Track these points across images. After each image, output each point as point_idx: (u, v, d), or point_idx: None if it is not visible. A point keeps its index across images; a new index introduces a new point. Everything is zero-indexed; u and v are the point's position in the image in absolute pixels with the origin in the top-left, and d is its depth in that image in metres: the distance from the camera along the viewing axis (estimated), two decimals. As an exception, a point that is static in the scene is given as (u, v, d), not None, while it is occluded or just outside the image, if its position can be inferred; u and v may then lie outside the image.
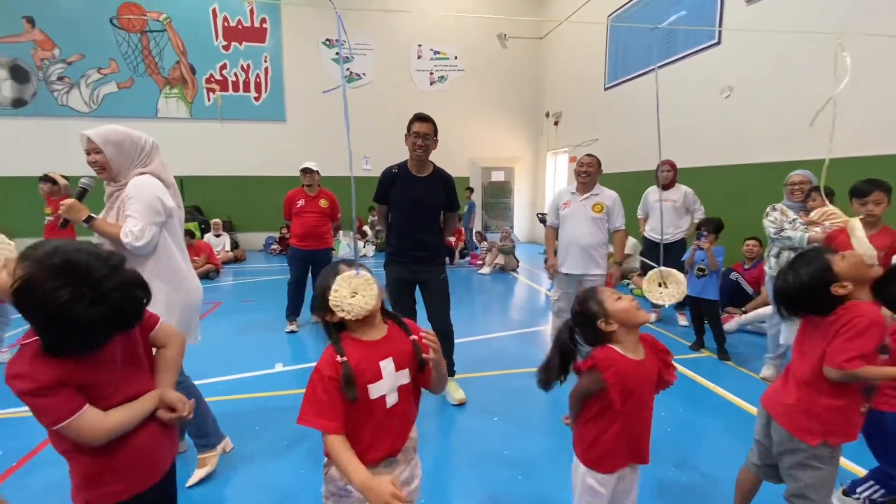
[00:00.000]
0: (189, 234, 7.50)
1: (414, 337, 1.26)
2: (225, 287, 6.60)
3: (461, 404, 2.90)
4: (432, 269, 2.89)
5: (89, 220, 1.83)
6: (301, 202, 4.35)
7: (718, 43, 5.66)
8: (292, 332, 4.33)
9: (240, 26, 9.40)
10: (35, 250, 0.92)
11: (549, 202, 10.57)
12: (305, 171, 4.37)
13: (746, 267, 4.53)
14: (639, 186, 4.96)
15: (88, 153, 1.83)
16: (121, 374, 1.09)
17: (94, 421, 1.00)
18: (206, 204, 9.66)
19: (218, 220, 8.91)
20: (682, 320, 4.55)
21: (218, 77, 9.46)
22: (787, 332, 3.01)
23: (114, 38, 8.97)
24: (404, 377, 1.24)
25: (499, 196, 11.19)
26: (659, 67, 6.26)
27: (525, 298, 6.01)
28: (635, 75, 7.25)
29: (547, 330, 4.37)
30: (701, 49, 5.88)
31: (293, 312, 4.42)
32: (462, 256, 8.38)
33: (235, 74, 9.54)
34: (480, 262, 7.75)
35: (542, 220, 6.88)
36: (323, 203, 4.39)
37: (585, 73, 8.80)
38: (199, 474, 2.13)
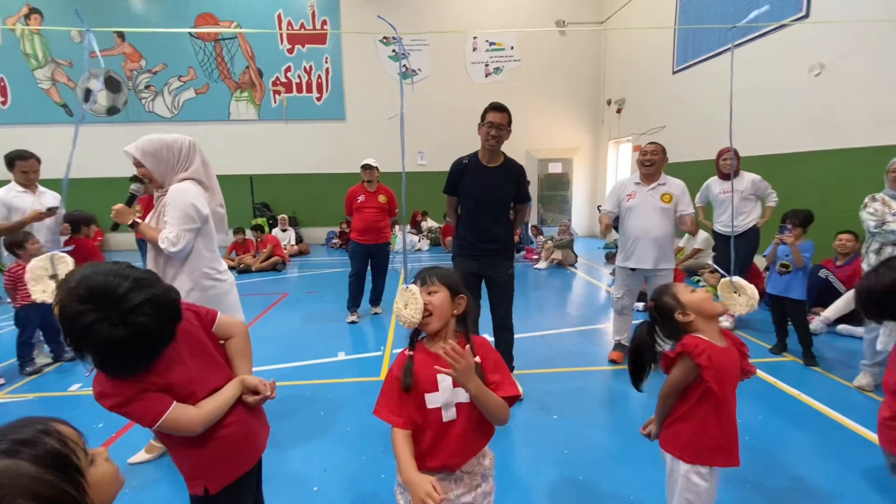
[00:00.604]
0: (259, 228, 8.00)
1: (477, 359, 1.19)
2: (291, 279, 6.97)
3: (518, 400, 2.86)
4: (501, 262, 2.85)
5: (134, 224, 2.00)
6: (361, 198, 4.48)
7: (807, 16, 5.10)
8: (353, 322, 4.49)
9: (303, 29, 9.81)
10: (68, 278, 0.97)
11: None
12: (366, 167, 4.48)
13: (839, 264, 4.09)
14: (711, 176, 4.62)
15: (137, 166, 1.97)
16: (197, 372, 1.15)
17: (186, 413, 1.08)
18: (273, 200, 10.24)
19: (284, 215, 9.43)
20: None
21: (283, 79, 9.95)
22: (886, 339, 2.68)
23: (192, 48, 9.70)
24: (462, 395, 1.19)
25: (556, 189, 10.90)
26: (736, 46, 5.77)
27: (584, 295, 5.82)
28: (709, 56, 6.73)
29: (608, 328, 4.20)
30: (786, 24, 5.34)
31: (354, 304, 4.58)
32: (517, 251, 8.27)
33: (299, 76, 9.98)
34: (536, 257, 7.60)
35: (603, 213, 6.61)
36: (382, 198, 4.51)
37: (652, 57, 8.30)
38: (142, 456, 2.26)
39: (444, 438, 1.20)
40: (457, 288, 1.26)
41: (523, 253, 8.21)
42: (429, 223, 9.84)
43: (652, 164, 3.09)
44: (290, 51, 9.86)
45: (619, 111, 9.62)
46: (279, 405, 2.86)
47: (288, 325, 4.50)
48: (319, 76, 10.02)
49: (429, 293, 1.25)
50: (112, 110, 9.74)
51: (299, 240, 9.45)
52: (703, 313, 1.35)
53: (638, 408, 2.73)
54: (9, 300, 3.47)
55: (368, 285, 4.74)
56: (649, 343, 1.43)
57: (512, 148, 2.82)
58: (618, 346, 3.49)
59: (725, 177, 3.93)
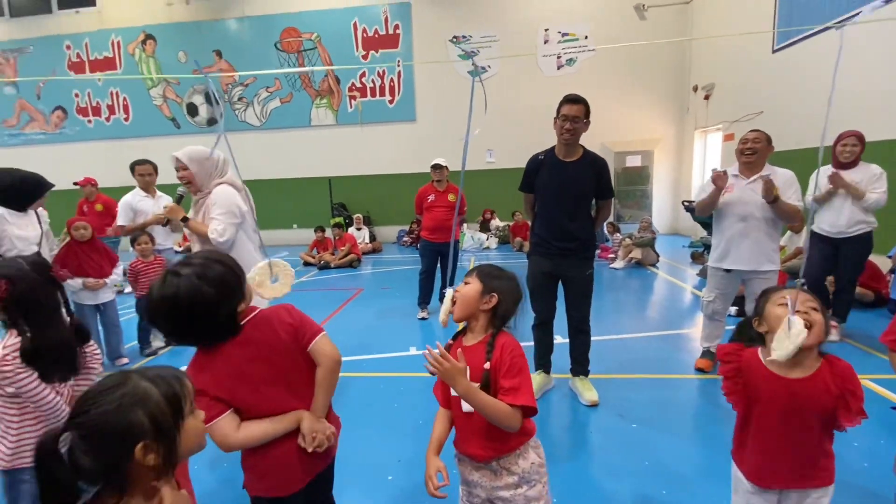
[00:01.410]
0: (339, 226, 8.46)
1: (487, 365, 1.22)
2: (365, 275, 7.27)
3: (593, 405, 2.73)
4: (579, 262, 2.72)
5: (185, 220, 2.31)
6: (431, 197, 4.58)
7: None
8: (423, 318, 4.57)
9: (376, 35, 10.18)
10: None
11: (696, 188, 9.34)
12: (435, 167, 4.56)
13: None
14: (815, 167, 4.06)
15: (177, 170, 2.28)
16: (261, 391, 1.15)
17: (223, 433, 1.11)
18: (348, 201, 10.75)
19: (359, 214, 9.86)
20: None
21: (358, 85, 10.40)
22: None
23: (277, 60, 10.46)
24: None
25: (634, 183, 10.27)
26: (854, 16, 5.02)
27: (666, 297, 5.42)
28: (819, 29, 5.94)
29: (693, 333, 3.87)
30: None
31: (424, 301, 4.67)
32: (591, 249, 7.90)
33: (373, 81, 10.37)
34: (612, 256, 7.22)
35: (689, 209, 6.10)
36: (451, 197, 4.58)
37: (746, 36, 7.51)
38: None
39: (467, 428, 1.26)
40: (491, 285, 1.27)
41: (598, 251, 7.84)
42: (497, 221, 9.75)
43: (754, 152, 2.77)
44: (365, 57, 10.28)
45: (706, 98, 8.83)
46: (357, 394, 2.99)
47: (363, 320, 4.69)
48: (392, 79, 10.33)
49: (465, 283, 1.32)
50: (211, 121, 10.82)
51: (373, 238, 9.83)
52: (773, 332, 1.21)
53: (730, 420, 2.48)
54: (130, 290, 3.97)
55: (438, 282, 4.81)
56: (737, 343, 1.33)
57: (586, 141, 2.67)
58: (706, 353, 3.19)
59: (843, 166, 3.42)
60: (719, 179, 2.81)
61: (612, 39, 9.66)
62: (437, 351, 1.17)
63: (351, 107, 10.48)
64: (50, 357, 1.45)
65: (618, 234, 7.50)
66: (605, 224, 8.41)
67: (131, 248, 3.84)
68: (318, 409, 1.23)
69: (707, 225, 5.59)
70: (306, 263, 8.05)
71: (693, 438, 2.41)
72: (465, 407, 1.22)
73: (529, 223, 3.00)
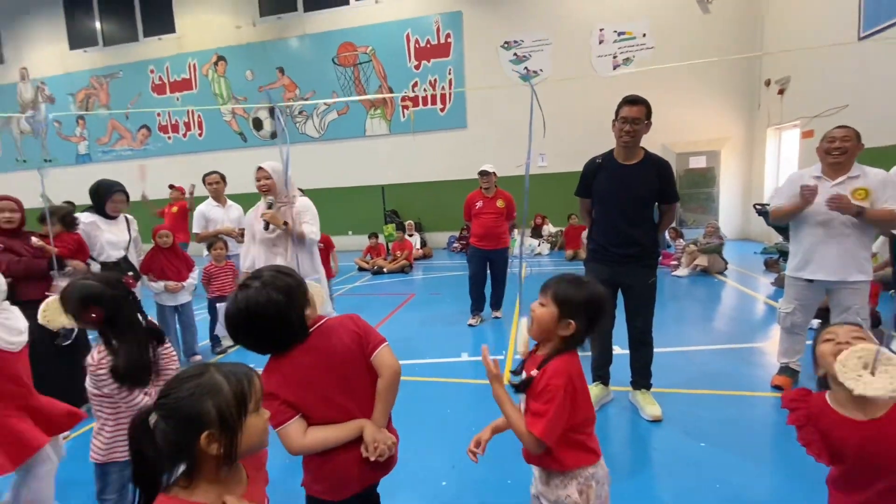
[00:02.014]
0: (401, 229, 8.69)
1: (535, 372, 1.25)
2: (416, 281, 7.37)
3: (656, 421, 2.58)
4: (639, 269, 2.58)
5: (285, 224, 2.77)
6: (479, 203, 4.52)
7: None
8: (472, 325, 4.54)
9: (428, 45, 10.37)
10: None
11: (769, 190, 8.68)
12: (483, 173, 4.51)
13: None
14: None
15: (258, 179, 2.81)
16: (323, 395, 1.20)
17: (292, 437, 1.16)
18: (400, 207, 10.98)
19: (411, 221, 10.04)
20: None
21: (411, 94, 10.63)
22: None
23: (335, 75, 10.93)
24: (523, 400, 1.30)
25: (698, 185, 9.68)
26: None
27: (736, 307, 5.04)
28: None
29: (769, 347, 3.56)
30: None
31: (476, 308, 4.65)
32: (651, 255, 7.51)
33: (424, 90, 10.56)
34: (675, 263, 6.84)
35: (762, 213, 5.65)
36: (500, 203, 4.50)
37: (827, 24, 6.89)
38: None
39: None
40: (569, 311, 1.22)
41: (659, 258, 7.45)
42: (549, 227, 9.55)
43: (843, 152, 2.49)
44: (417, 67, 10.49)
45: (780, 92, 8.17)
46: (410, 400, 3.01)
47: (415, 325, 4.75)
48: (443, 87, 10.47)
49: (540, 303, 1.28)
50: (273, 134, 11.48)
51: (423, 244, 9.97)
52: (829, 374, 1.08)
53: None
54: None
55: (489, 289, 4.77)
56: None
57: (646, 143, 2.55)
58: (785, 369, 2.92)
59: None
60: (812, 195, 2.52)
61: (673, 35, 9.22)
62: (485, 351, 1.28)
63: (403, 117, 10.73)
64: (133, 371, 1.56)
65: (681, 240, 7.09)
66: (669, 232, 8.00)
67: (205, 253, 4.15)
68: (378, 419, 1.25)
69: (782, 230, 5.14)
70: (360, 269, 8.30)
71: (771, 462, 2.21)
72: (523, 409, 1.28)
73: (586, 228, 2.90)
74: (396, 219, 10.65)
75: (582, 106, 9.27)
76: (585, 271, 2.77)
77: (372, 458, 1.20)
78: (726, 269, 6.39)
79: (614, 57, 9.56)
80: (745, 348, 3.66)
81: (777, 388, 2.86)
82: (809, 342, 2.76)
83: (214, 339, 4.16)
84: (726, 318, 4.63)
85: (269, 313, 1.13)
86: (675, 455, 2.28)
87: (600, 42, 9.59)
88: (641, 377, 2.73)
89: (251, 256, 2.95)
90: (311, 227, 2.86)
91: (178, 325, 3.88)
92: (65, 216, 3.13)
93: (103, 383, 1.54)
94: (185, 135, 11.99)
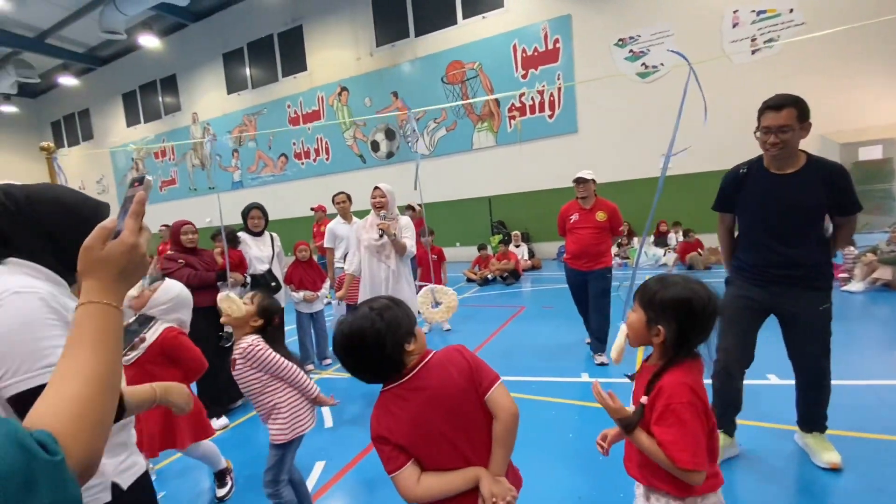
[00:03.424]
0: (506, 242, 8.65)
1: (644, 399, 1.17)
2: (525, 293, 7.17)
3: (834, 469, 2.09)
4: (807, 293, 2.09)
5: (394, 236, 3.15)
6: (574, 216, 3.88)
7: None
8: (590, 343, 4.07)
9: (535, 53, 10.21)
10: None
11: None
12: (579, 181, 3.82)
13: None
14: None
15: (374, 197, 3.28)
16: (438, 439, 1.11)
17: (405, 485, 1.09)
18: (507, 218, 10.89)
19: (517, 231, 9.88)
20: None
21: (517, 104, 10.55)
22: None
23: (444, 93, 11.34)
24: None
25: (872, 181, 7.93)
26: None
27: (942, 331, 3.96)
28: None
29: None
30: None
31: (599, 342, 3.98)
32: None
33: (532, 98, 10.40)
34: (845, 276, 5.65)
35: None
36: (600, 216, 3.77)
37: None
38: None
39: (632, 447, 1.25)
40: (655, 317, 1.15)
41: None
42: (678, 235, 8.61)
43: None
44: (524, 76, 10.39)
45: None
46: (527, 421, 2.87)
47: (528, 339, 4.58)
48: (552, 94, 10.20)
49: (633, 308, 1.21)
50: (389, 154, 12.28)
51: (531, 254, 9.72)
52: None
53: None
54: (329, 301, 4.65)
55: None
56: None
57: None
58: None
59: None
60: None
61: (828, 7, 7.79)
62: (598, 387, 1.23)
63: (510, 127, 10.68)
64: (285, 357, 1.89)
65: (852, 249, 5.84)
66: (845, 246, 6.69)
67: (338, 263, 4.51)
68: (496, 468, 1.13)
69: None
70: (469, 280, 8.37)
71: None
72: None
73: (722, 250, 2.43)
74: (503, 230, 10.58)
75: (714, 99, 8.24)
76: (727, 290, 2.30)
77: None
78: (922, 283, 5.10)
79: (753, 40, 8.38)
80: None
81: None
82: None
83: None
84: (929, 346, 3.65)
85: (368, 341, 1.10)
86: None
87: (734, 25, 8.49)
88: (815, 419, 2.24)
89: (357, 260, 3.41)
90: (410, 242, 3.30)
91: (313, 332, 4.27)
92: (228, 235, 3.67)
93: (262, 360, 1.79)
94: (315, 160, 13.44)
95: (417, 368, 1.14)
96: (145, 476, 1.08)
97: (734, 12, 8.44)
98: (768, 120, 1.98)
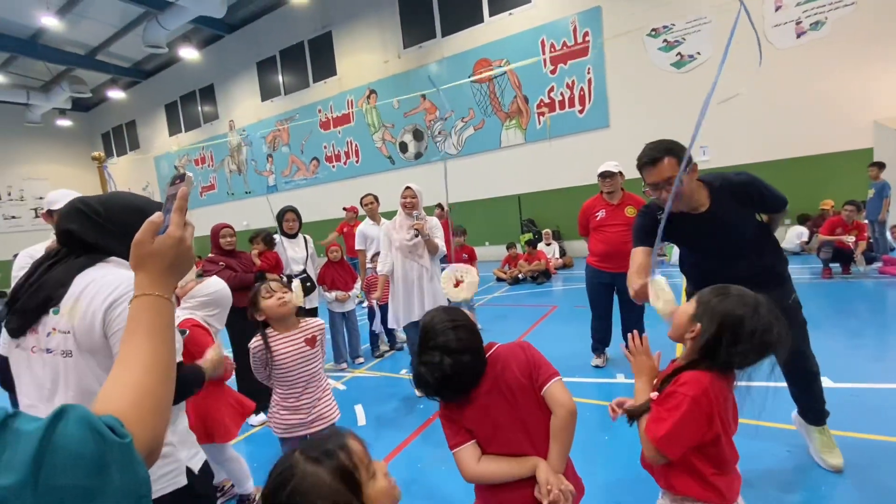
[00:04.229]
0: (532, 244, 8.54)
1: (654, 394, 1.20)
2: (556, 292, 7.06)
3: (836, 472, 2.01)
4: (774, 293, 1.95)
5: (428, 236, 3.23)
6: (601, 213, 3.56)
7: None
8: (598, 367, 3.68)
9: (564, 48, 10.03)
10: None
11: None
12: (605, 175, 3.51)
13: None
14: None
15: (405, 197, 3.30)
16: (499, 427, 1.15)
17: (465, 462, 1.14)
18: (537, 216, 10.74)
19: (548, 230, 9.73)
20: None
21: (546, 100, 10.40)
22: None
23: (471, 92, 11.31)
24: None
25: (934, 169, 7.36)
26: None
27: None
28: None
29: None
30: None
31: (599, 345, 3.75)
32: (869, 262, 5.91)
33: (561, 94, 10.22)
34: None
35: None
36: (629, 211, 3.48)
37: None
38: None
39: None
40: (699, 314, 1.13)
41: (878, 265, 5.83)
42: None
43: None
44: (553, 71, 10.23)
45: None
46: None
47: (561, 339, 4.50)
48: (582, 88, 9.99)
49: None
50: (417, 155, 12.36)
51: (563, 253, 9.55)
52: None
53: None
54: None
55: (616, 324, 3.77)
56: None
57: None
58: None
59: None
60: None
61: (886, -18, 7.27)
62: (640, 339, 1.25)
63: (539, 124, 10.54)
64: None
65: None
66: (888, 228, 6.28)
67: (369, 264, 4.57)
68: (555, 463, 1.14)
69: None
70: (499, 279, 8.31)
71: None
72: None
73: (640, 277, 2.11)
74: (533, 228, 10.45)
75: (755, 86, 7.88)
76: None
77: (544, 502, 1.09)
78: None
79: (798, 23, 7.93)
80: None
81: None
82: None
83: (374, 344, 4.55)
84: None
85: (472, 347, 1.16)
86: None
87: (777, 9, 8.06)
88: (813, 411, 2.14)
89: (390, 261, 3.38)
90: (441, 242, 3.40)
91: (345, 330, 4.35)
92: (266, 237, 3.78)
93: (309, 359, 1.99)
94: (345, 163, 13.69)
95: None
96: (206, 462, 1.17)
97: (777, -5, 8.02)
98: (651, 177, 1.85)
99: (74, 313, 0.98)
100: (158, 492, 1.01)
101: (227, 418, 2.22)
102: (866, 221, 6.19)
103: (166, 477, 1.03)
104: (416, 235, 3.25)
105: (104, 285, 0.99)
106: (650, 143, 1.87)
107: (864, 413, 2.42)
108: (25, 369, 1.03)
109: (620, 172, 3.53)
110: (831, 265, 5.84)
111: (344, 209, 7.14)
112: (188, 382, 1.08)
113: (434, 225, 3.41)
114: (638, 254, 2.05)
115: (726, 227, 1.96)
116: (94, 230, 1.04)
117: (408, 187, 3.36)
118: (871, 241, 6.09)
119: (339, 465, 0.73)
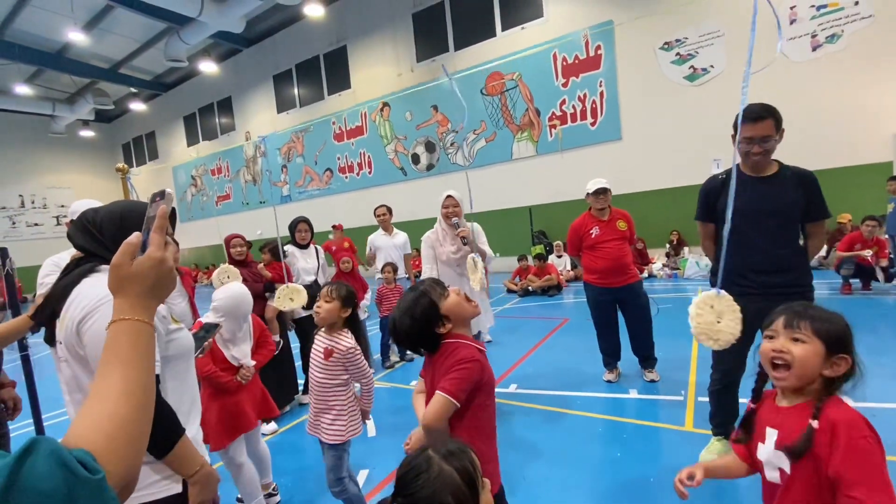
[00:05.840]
0: (541, 257, 8.50)
1: (814, 423, 0.98)
2: (568, 305, 7.01)
3: None
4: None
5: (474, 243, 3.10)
6: (595, 230, 3.53)
7: None
8: (610, 381, 3.62)
9: (576, 61, 10.09)
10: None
11: None
12: (599, 192, 3.49)
13: None
14: None
15: (447, 206, 3.21)
16: (430, 394, 1.39)
17: (443, 414, 1.36)
18: (549, 228, 10.72)
19: (559, 241, 9.69)
20: None
21: (558, 113, 10.44)
22: None
23: (483, 104, 11.41)
24: (784, 462, 1.03)
25: (956, 183, 7.19)
26: None
27: None
28: None
29: None
30: None
31: (610, 359, 3.71)
32: (889, 279, 5.77)
33: (573, 106, 10.26)
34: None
35: None
36: (621, 225, 3.51)
37: None
38: None
39: (773, 498, 1.09)
40: (838, 345, 1.01)
41: (813, 289, 5.68)
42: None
43: None
44: (565, 84, 10.28)
45: None
46: (575, 437, 2.79)
47: (573, 352, 4.46)
48: (594, 101, 10.02)
49: (793, 339, 1.01)
50: (429, 167, 12.46)
51: (574, 265, 9.48)
52: None
53: None
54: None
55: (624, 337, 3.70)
56: None
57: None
58: None
59: None
60: None
61: (903, -4, 7.21)
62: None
63: (551, 136, 10.57)
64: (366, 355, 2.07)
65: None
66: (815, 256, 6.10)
67: (379, 275, 4.61)
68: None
69: None
70: (509, 291, 8.28)
71: None
72: (769, 475, 1.09)
73: (712, 261, 2.44)
74: (545, 239, 10.42)
75: (768, 99, 7.83)
76: None
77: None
78: None
79: (813, 36, 7.89)
80: None
81: None
82: None
83: (384, 355, 4.56)
84: None
85: (420, 314, 1.39)
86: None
87: (792, 22, 8.04)
88: None
89: (435, 275, 3.18)
90: (487, 247, 3.27)
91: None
92: (274, 248, 3.82)
93: (354, 365, 1.95)
94: (358, 174, 13.85)
95: (441, 344, 1.41)
96: None
97: (791, 8, 7.99)
98: (748, 131, 2.07)
99: (62, 325, 1.04)
100: (153, 496, 1.02)
101: (248, 406, 2.28)
102: (886, 237, 6.06)
103: (161, 483, 1.04)
104: (465, 244, 3.06)
105: (83, 298, 1.01)
106: (757, 103, 2.09)
107: (885, 434, 2.35)
108: (57, 372, 1.12)
109: (609, 189, 3.55)
110: (851, 281, 5.72)
111: (333, 227, 6.66)
112: (167, 433, 1.02)
113: (478, 231, 3.27)
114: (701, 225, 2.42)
115: (780, 198, 2.14)
116: (92, 241, 1.09)
117: (449, 195, 3.20)
118: (891, 256, 5.95)
119: (467, 470, 0.84)
